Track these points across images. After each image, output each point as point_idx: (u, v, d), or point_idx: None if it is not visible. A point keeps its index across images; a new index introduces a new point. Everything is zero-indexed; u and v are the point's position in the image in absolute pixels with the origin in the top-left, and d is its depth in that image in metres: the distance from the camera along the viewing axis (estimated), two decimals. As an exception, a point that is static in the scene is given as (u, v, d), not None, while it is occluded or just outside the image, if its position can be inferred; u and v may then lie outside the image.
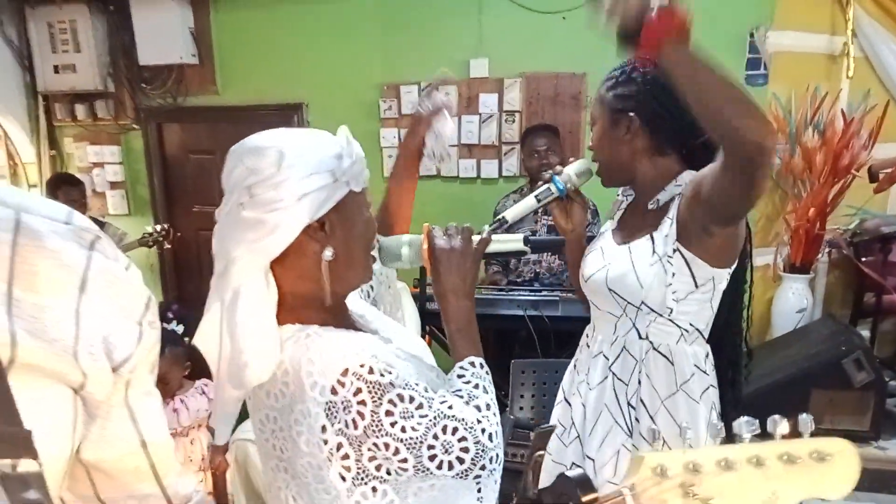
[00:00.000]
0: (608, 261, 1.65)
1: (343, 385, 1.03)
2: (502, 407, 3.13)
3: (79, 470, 0.83)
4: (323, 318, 1.13)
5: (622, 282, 1.60)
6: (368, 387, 1.04)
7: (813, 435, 0.70)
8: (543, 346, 3.13)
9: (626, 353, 1.64)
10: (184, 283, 5.07)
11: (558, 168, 1.67)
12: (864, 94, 3.63)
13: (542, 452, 0.70)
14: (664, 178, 1.62)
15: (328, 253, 1.12)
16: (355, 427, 1.04)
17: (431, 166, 4.30)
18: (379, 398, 1.04)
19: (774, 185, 3.86)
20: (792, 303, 3.80)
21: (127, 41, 4.63)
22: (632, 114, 1.60)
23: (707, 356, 1.65)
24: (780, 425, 0.69)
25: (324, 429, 1.04)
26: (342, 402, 1.03)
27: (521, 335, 3.28)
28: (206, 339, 1.12)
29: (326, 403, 1.04)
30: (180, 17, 4.46)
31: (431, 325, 3.32)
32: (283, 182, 1.06)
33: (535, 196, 1.66)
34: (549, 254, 1.56)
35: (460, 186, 4.31)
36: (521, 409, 2.83)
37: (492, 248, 1.33)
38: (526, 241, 1.37)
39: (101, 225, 4.28)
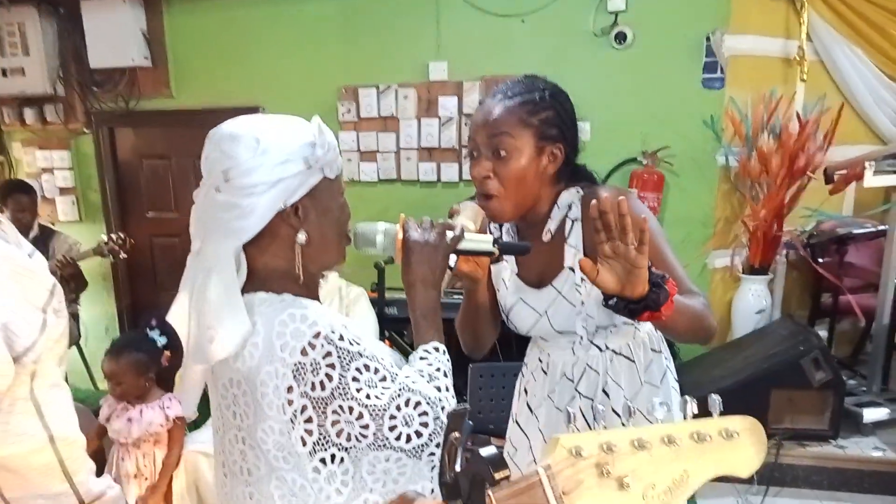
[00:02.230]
0: (540, 309, 1.59)
1: (314, 347, 1.07)
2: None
3: None
4: (296, 290, 1.17)
5: (569, 322, 1.56)
6: (338, 351, 1.07)
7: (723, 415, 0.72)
8: (504, 349, 3.09)
9: (589, 369, 1.61)
10: (137, 290, 4.94)
11: (454, 223, 1.41)
12: (820, 97, 3.68)
13: (457, 434, 0.68)
14: (549, 203, 1.56)
15: (301, 237, 1.16)
16: (322, 388, 1.07)
17: (391, 169, 4.26)
18: (347, 363, 1.08)
19: (732, 188, 3.89)
20: (751, 304, 3.83)
21: (77, 44, 4.52)
22: (559, 144, 1.49)
23: (655, 329, 1.63)
24: (690, 405, 0.70)
25: (290, 389, 1.07)
26: (311, 364, 1.06)
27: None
28: (178, 316, 1.16)
29: (295, 364, 1.06)
30: (132, 18, 4.36)
31: (390, 329, 3.27)
32: (257, 168, 1.10)
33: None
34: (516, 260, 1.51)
35: (421, 190, 4.27)
36: (480, 413, 2.78)
37: (462, 245, 1.34)
38: (495, 242, 1.38)
39: (53, 233, 4.14)
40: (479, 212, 1.50)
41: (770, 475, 3.17)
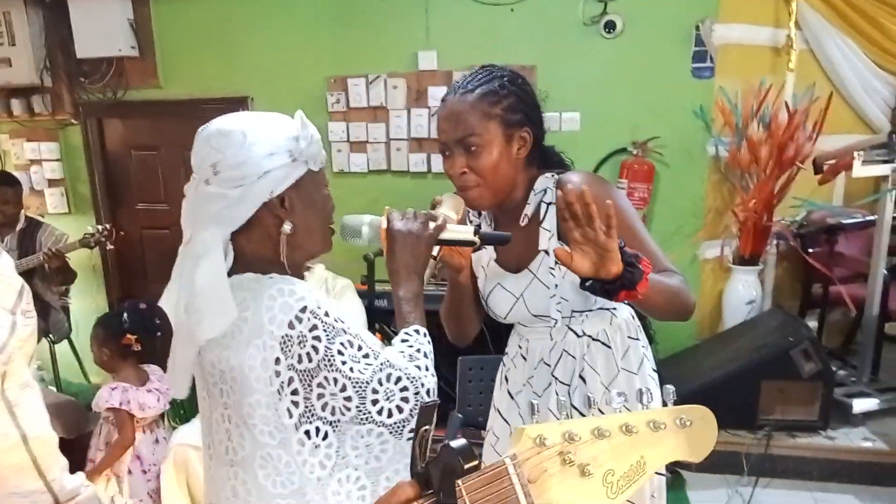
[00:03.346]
0: (517, 292, 1.61)
1: (300, 321, 1.12)
2: (450, 403, 3.10)
3: None
4: (283, 272, 1.23)
5: (545, 306, 1.58)
6: (324, 325, 1.13)
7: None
8: (495, 342, 3.08)
9: (566, 355, 1.62)
10: (128, 282, 4.91)
11: (436, 213, 1.43)
12: (809, 86, 3.66)
13: (427, 427, 0.70)
14: (525, 189, 1.59)
15: (287, 227, 1.21)
16: (309, 360, 1.12)
17: (381, 160, 4.24)
18: (333, 337, 1.13)
19: (722, 178, 3.88)
20: (741, 295, 3.83)
21: (64, 34, 4.47)
22: (527, 128, 1.52)
23: (633, 317, 1.66)
24: (647, 395, 0.76)
25: (277, 361, 1.12)
26: (298, 337, 1.12)
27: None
28: (169, 302, 1.22)
29: (282, 337, 1.12)
30: (119, 8, 4.32)
31: (380, 321, 3.26)
32: (245, 161, 1.16)
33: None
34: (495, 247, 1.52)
35: (411, 180, 4.25)
36: (469, 406, 2.78)
37: (445, 235, 1.38)
38: (476, 231, 1.41)
39: (40, 225, 4.12)
40: (460, 202, 1.53)
41: (760, 466, 3.18)
